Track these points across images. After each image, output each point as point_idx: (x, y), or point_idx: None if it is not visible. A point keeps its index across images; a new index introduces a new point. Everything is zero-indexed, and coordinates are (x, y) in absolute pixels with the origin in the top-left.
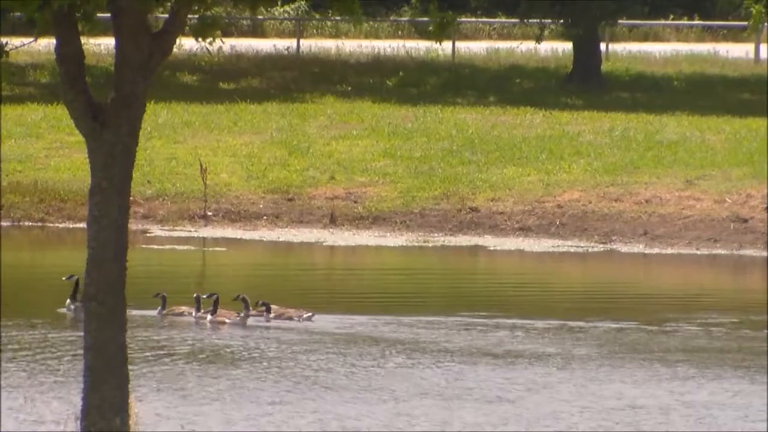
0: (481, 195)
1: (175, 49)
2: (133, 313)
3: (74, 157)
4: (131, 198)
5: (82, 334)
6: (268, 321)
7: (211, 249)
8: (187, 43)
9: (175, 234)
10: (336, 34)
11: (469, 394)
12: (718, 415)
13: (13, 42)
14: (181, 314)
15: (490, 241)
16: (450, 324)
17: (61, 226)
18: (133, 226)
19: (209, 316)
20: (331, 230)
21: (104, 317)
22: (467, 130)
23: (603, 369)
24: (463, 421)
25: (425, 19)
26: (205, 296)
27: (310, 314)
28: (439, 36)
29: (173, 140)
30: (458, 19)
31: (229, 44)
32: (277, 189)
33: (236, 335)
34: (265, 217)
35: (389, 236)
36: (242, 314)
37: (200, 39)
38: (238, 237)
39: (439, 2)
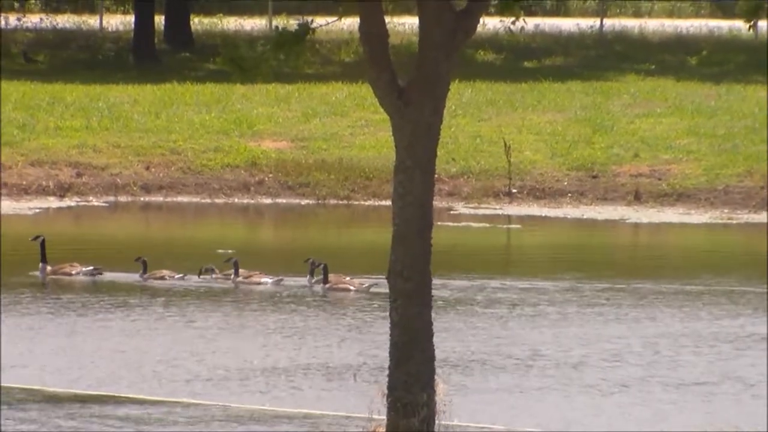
0: None
1: (478, 28)
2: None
3: (379, 135)
4: (436, 175)
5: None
6: (233, 283)
7: (516, 226)
8: (490, 22)
9: (480, 212)
10: (638, 14)
11: None
12: None
13: (318, 20)
14: (162, 278)
15: None
16: None
17: (366, 203)
18: (438, 203)
19: (323, 285)
20: (635, 207)
21: (410, 293)
22: None
23: None
24: None
25: None
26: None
27: (369, 284)
28: (748, 18)
29: (477, 118)
30: None
31: (533, 23)
32: (581, 166)
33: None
34: (569, 195)
35: (693, 213)
36: (366, 283)
37: (504, 18)
38: (543, 214)
39: None
